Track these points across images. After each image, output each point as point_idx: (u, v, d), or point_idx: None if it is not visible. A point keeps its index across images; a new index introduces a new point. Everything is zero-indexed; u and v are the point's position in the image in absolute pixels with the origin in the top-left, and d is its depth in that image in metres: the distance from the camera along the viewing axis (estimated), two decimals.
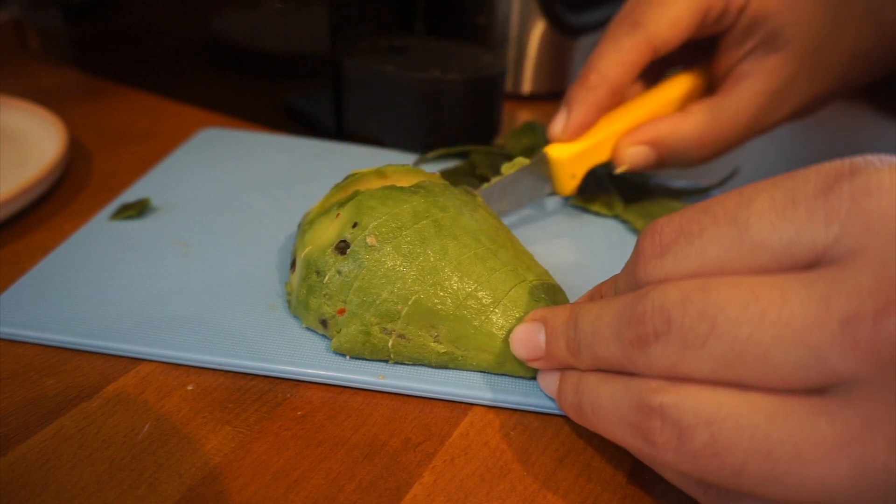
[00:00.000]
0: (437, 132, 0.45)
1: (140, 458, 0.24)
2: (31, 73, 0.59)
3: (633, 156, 0.35)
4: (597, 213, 0.40)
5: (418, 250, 0.27)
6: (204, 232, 0.36)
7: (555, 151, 0.35)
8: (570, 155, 0.35)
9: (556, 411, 0.26)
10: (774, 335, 0.17)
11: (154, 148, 0.46)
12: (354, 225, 0.28)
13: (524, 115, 0.56)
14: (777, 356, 0.17)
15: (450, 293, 0.27)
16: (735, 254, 0.19)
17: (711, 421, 0.18)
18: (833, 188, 0.18)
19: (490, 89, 0.45)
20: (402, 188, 0.29)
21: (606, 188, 0.41)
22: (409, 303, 0.27)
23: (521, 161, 0.36)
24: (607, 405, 0.21)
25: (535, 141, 0.44)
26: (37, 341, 0.29)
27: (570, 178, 0.36)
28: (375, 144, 0.47)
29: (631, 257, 0.22)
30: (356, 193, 0.30)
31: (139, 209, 0.37)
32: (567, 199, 0.41)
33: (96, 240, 0.35)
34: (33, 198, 0.38)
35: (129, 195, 0.39)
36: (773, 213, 0.19)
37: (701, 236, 0.20)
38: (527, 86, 0.58)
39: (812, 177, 0.19)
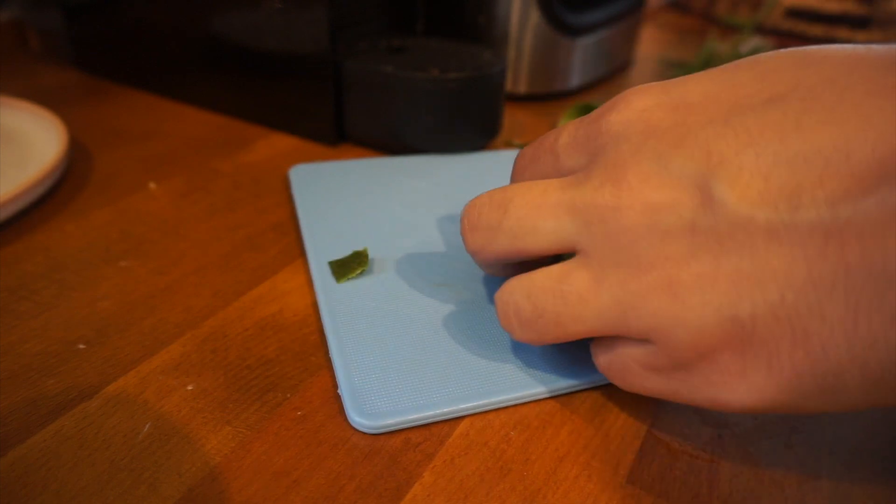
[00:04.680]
0: (437, 132, 0.45)
1: (140, 458, 0.24)
2: (31, 73, 0.59)
3: None
4: None
5: None
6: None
7: None
8: None
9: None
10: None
11: (154, 148, 0.46)
12: None
13: (522, 116, 0.56)
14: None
15: None
16: (551, 171, 0.26)
17: None
18: (601, 116, 0.24)
19: (490, 88, 0.45)
20: None
21: None
22: None
23: None
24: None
25: None
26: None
27: None
28: (375, 144, 0.47)
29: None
30: None
31: (362, 262, 0.32)
32: None
33: None
34: (33, 198, 0.38)
35: (319, 249, 0.34)
36: (571, 147, 0.25)
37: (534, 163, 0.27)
38: (523, 86, 0.58)
39: (595, 112, 0.24)
